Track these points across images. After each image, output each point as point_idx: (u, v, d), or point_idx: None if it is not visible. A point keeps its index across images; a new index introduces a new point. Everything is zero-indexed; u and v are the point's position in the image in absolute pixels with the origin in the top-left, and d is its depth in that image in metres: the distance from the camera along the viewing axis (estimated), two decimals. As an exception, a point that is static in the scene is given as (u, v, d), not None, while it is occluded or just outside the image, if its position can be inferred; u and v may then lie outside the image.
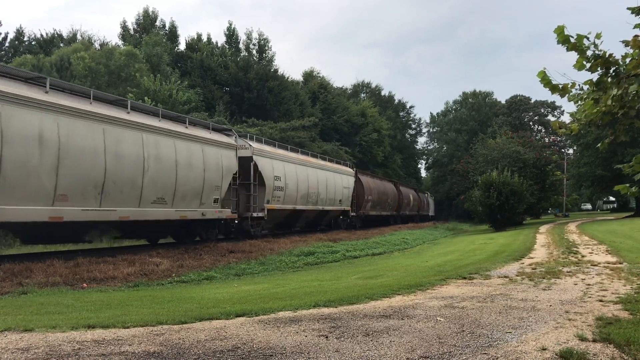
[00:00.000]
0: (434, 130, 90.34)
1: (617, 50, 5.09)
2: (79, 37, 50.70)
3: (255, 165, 19.68)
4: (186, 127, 15.87)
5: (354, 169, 33.20)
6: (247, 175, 19.54)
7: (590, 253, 13.19)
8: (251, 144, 19.81)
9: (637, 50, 4.91)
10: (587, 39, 5.06)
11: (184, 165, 15.18)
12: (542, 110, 77.56)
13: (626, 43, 5.02)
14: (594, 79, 5.33)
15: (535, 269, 10.20)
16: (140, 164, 13.53)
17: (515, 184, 30.28)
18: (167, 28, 55.24)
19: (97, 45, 48.14)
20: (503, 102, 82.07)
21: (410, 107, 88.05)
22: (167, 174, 14.45)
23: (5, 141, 10.09)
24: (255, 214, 19.66)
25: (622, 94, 4.99)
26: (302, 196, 23.79)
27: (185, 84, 41.24)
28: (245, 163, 19.36)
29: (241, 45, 58.57)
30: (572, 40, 5.07)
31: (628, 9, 5.01)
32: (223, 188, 17.31)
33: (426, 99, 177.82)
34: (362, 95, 78.47)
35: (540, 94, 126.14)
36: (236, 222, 18.90)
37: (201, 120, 20.60)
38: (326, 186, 26.46)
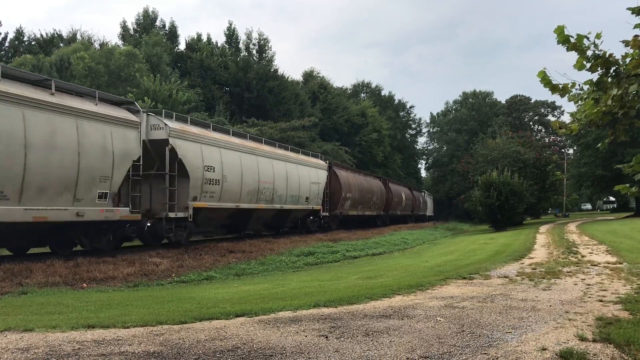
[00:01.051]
0: (434, 130, 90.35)
1: (617, 50, 5.10)
2: (78, 37, 50.69)
3: (174, 151, 15.15)
4: (51, 94, 11.78)
5: (328, 162, 28.56)
6: (164, 163, 15.28)
7: (590, 253, 13.19)
8: (167, 122, 15.23)
9: (637, 50, 4.91)
10: (587, 39, 5.06)
11: (41, 146, 11.20)
12: (542, 110, 77.56)
13: (626, 43, 5.02)
14: (594, 79, 5.33)
15: (535, 269, 10.20)
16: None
17: (515, 184, 30.29)
18: (167, 28, 55.25)
19: (97, 45, 48.13)
20: (503, 102, 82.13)
21: (410, 107, 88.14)
22: (6, 157, 10.52)
23: None
24: (173, 214, 15.14)
25: (622, 94, 4.99)
26: (250, 192, 19.11)
27: (185, 84, 41.25)
28: (160, 148, 15.11)
29: (241, 45, 58.63)
30: (572, 40, 5.08)
31: (628, 9, 5.01)
32: (116, 179, 13.21)
33: (426, 99, 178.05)
34: (362, 95, 78.48)
35: (540, 94, 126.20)
36: (148, 224, 15.09)
37: (82, 86, 16.04)
38: (286, 180, 21.85)
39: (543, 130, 74.00)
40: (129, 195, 14.02)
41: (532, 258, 12.57)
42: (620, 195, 11.48)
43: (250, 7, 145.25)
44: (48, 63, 38.07)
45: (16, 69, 13.40)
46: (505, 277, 9.15)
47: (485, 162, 37.31)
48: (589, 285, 7.95)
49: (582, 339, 4.60)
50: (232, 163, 17.99)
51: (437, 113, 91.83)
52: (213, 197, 16.85)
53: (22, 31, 49.69)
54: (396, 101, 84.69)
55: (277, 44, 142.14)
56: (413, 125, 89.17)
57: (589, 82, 5.38)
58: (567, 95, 5.46)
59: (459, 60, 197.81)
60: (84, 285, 10.24)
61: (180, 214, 15.49)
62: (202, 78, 46.58)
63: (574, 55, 5.15)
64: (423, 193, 61.14)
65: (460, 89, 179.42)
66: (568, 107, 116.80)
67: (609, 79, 5.17)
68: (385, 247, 21.47)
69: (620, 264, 10.68)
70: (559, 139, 58.38)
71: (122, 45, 46.39)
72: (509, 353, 4.23)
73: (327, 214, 27.14)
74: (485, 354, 4.22)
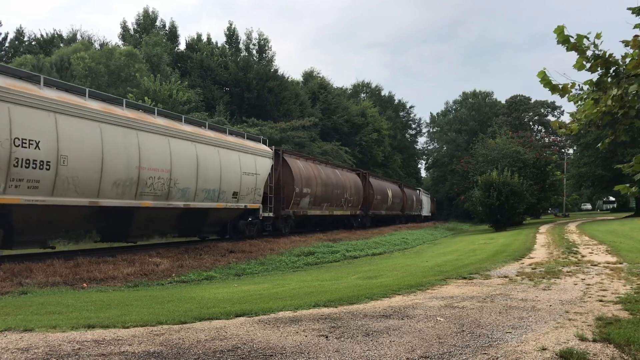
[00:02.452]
0: (434, 130, 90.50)
1: (617, 50, 5.10)
2: (79, 37, 50.73)
3: None
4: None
5: (274, 147, 22.52)
6: None
7: (590, 253, 13.19)
8: None
9: (637, 50, 4.92)
10: (587, 39, 5.06)
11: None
12: (542, 110, 77.59)
13: (626, 43, 5.03)
14: (594, 79, 5.34)
15: (535, 269, 10.20)
16: None
17: (515, 184, 30.30)
18: (167, 28, 55.27)
19: (97, 45, 48.17)
20: (503, 102, 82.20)
21: (410, 107, 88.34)
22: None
23: None
24: None
25: (622, 94, 4.99)
26: (120, 183, 13.15)
27: (185, 84, 41.24)
28: None
29: (241, 45, 58.68)
30: (572, 40, 5.08)
31: (628, 9, 5.02)
32: None
33: (426, 99, 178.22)
34: (362, 95, 78.54)
35: (540, 94, 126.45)
36: None
37: None
38: (196, 168, 15.71)
39: (543, 130, 74.03)
40: None
41: (532, 258, 12.57)
42: (620, 195, 11.49)
43: (250, 7, 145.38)
44: (48, 63, 38.07)
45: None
46: (505, 277, 9.15)
47: (485, 162, 37.32)
48: (589, 285, 7.95)
49: (582, 339, 4.60)
50: (81, 139, 12.07)
51: (437, 113, 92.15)
52: (36, 188, 11.06)
53: (22, 31, 49.74)
54: (396, 101, 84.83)
55: (277, 44, 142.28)
56: (413, 125, 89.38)
57: (589, 82, 5.39)
58: (567, 95, 5.46)
59: (459, 61, 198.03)
60: (84, 285, 10.24)
61: None
62: (202, 78, 46.59)
63: (574, 56, 5.15)
64: (418, 191, 56.57)
65: (460, 89, 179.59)
66: (568, 107, 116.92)
67: (609, 79, 5.18)
68: (385, 247, 21.48)
69: (620, 263, 10.68)
70: (559, 139, 58.42)
71: (122, 46, 46.42)
72: (509, 353, 4.23)
73: (271, 214, 20.95)
74: (485, 354, 4.22)
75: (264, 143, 21.22)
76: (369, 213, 34.20)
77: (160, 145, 14.44)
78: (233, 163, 17.86)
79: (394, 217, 42.60)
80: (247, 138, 19.90)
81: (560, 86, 5.38)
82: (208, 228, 18.30)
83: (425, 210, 58.35)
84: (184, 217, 16.36)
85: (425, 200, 59.71)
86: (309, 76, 64.16)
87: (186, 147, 15.51)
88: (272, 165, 20.97)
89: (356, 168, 38.70)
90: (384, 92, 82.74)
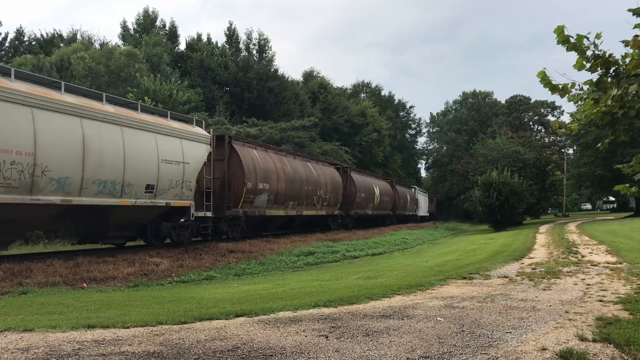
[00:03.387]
0: (434, 130, 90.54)
1: (617, 50, 5.11)
2: (79, 37, 50.75)
3: None
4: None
5: (212, 130, 18.21)
6: None
7: (590, 253, 13.19)
8: None
9: (637, 50, 4.92)
10: (587, 39, 5.07)
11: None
12: (542, 110, 77.64)
13: (626, 43, 5.03)
14: (594, 79, 5.34)
15: (535, 269, 10.20)
16: None
17: (515, 184, 30.31)
18: (167, 28, 55.29)
19: (97, 45, 48.17)
20: (503, 102, 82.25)
21: (410, 107, 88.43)
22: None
23: None
24: None
25: (622, 94, 4.99)
26: None
27: (185, 84, 41.27)
28: None
29: (241, 45, 58.69)
30: (572, 40, 5.08)
31: (629, 10, 5.02)
32: None
33: (426, 99, 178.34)
34: (362, 95, 78.57)
35: (540, 94, 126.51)
36: None
37: None
38: (82, 152, 11.81)
39: (543, 130, 74.07)
40: None
41: (532, 258, 12.57)
42: (620, 195, 11.48)
43: (250, 7, 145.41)
44: (48, 63, 38.09)
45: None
46: (505, 277, 9.15)
47: (485, 162, 37.33)
48: (589, 285, 7.95)
49: (582, 339, 4.60)
50: None
51: (437, 113, 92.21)
52: None
53: (22, 31, 49.73)
54: (396, 101, 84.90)
55: (277, 44, 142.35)
56: (413, 125, 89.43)
57: (589, 82, 5.39)
58: (567, 95, 5.46)
59: (459, 61, 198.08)
60: (84, 285, 10.24)
61: None
62: (202, 78, 46.62)
63: (574, 56, 5.16)
64: (413, 189, 53.11)
65: (460, 89, 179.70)
66: (568, 107, 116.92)
67: (609, 79, 5.18)
68: (385, 247, 21.49)
69: (620, 263, 10.68)
70: (558, 139, 58.42)
71: (122, 45, 46.44)
72: (509, 353, 4.23)
73: (210, 213, 16.78)
74: (485, 354, 4.22)
75: (202, 127, 16.96)
76: (351, 213, 30.42)
77: (14, 120, 10.40)
78: (146, 147, 13.75)
79: (383, 217, 38.97)
80: (172, 118, 15.51)
81: (560, 86, 5.38)
82: (115, 232, 14.11)
83: (422, 210, 55.56)
84: (73, 217, 12.67)
85: (422, 199, 56.91)
86: (309, 76, 64.18)
87: (66, 123, 11.54)
88: (211, 153, 16.83)
89: (335, 161, 34.24)
90: (384, 92, 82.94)
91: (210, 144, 16.81)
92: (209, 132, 17.08)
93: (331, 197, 27.01)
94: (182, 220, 15.49)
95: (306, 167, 24.82)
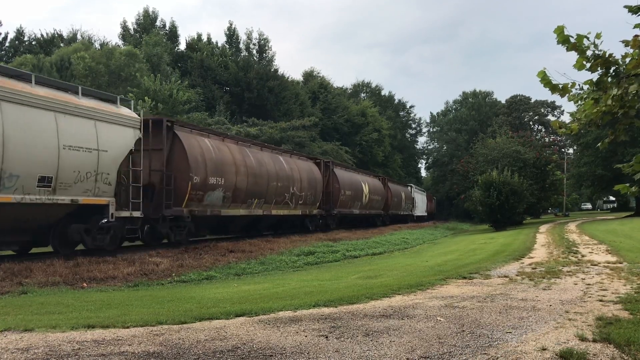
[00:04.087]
0: (434, 130, 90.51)
1: (617, 50, 5.10)
2: (79, 37, 50.80)
3: None
4: None
5: (142, 111, 15.49)
6: None
7: (590, 253, 13.18)
8: None
9: (637, 50, 4.91)
10: (587, 39, 5.06)
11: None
12: (542, 110, 77.67)
13: (626, 43, 5.02)
14: (594, 79, 5.33)
15: (535, 268, 10.20)
16: None
17: (515, 184, 30.32)
18: (167, 28, 55.35)
19: (97, 45, 48.21)
20: (503, 102, 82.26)
21: (410, 107, 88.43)
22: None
23: None
24: None
25: (622, 94, 4.99)
26: None
27: (186, 84, 41.29)
28: None
29: (241, 45, 58.77)
30: (572, 40, 5.08)
31: (625, 7, 5.00)
32: None
33: (426, 98, 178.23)
34: (362, 95, 78.60)
35: (540, 94, 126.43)
36: None
37: None
38: None
39: (543, 130, 74.09)
40: None
41: (532, 258, 12.56)
42: (620, 194, 11.48)
43: (250, 7, 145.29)
44: (48, 63, 38.13)
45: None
46: (505, 276, 9.15)
47: (485, 162, 37.34)
48: (589, 284, 7.95)
49: (582, 339, 4.60)
50: None
51: (437, 113, 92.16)
52: None
53: (22, 31, 49.82)
54: (396, 101, 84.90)
55: (277, 44, 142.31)
56: (413, 125, 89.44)
57: (589, 82, 5.39)
58: (567, 95, 5.46)
59: (460, 60, 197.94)
60: (84, 284, 10.24)
61: None
62: (203, 78, 46.64)
63: (574, 55, 5.15)
64: (409, 187, 49.82)
65: (460, 89, 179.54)
66: (568, 107, 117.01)
67: (609, 79, 5.18)
68: (386, 247, 21.48)
69: (620, 263, 10.68)
70: (559, 138, 58.43)
71: (122, 45, 46.46)
72: (509, 353, 4.23)
73: (138, 213, 13.81)
74: (485, 354, 4.22)
75: (131, 107, 14.41)
76: (334, 212, 27.47)
77: None
78: (39, 129, 10.92)
79: (373, 217, 35.99)
80: (85, 94, 12.62)
81: (560, 86, 5.38)
82: (12, 236, 11.51)
83: (420, 210, 52.53)
84: None
85: (420, 198, 53.72)
86: (309, 76, 64.22)
87: None
88: (141, 139, 13.87)
89: (314, 155, 31.54)
90: (384, 92, 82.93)
91: (140, 129, 13.82)
92: (138, 115, 14.16)
93: (308, 194, 23.82)
94: (103, 221, 12.56)
95: (276, 161, 21.60)
